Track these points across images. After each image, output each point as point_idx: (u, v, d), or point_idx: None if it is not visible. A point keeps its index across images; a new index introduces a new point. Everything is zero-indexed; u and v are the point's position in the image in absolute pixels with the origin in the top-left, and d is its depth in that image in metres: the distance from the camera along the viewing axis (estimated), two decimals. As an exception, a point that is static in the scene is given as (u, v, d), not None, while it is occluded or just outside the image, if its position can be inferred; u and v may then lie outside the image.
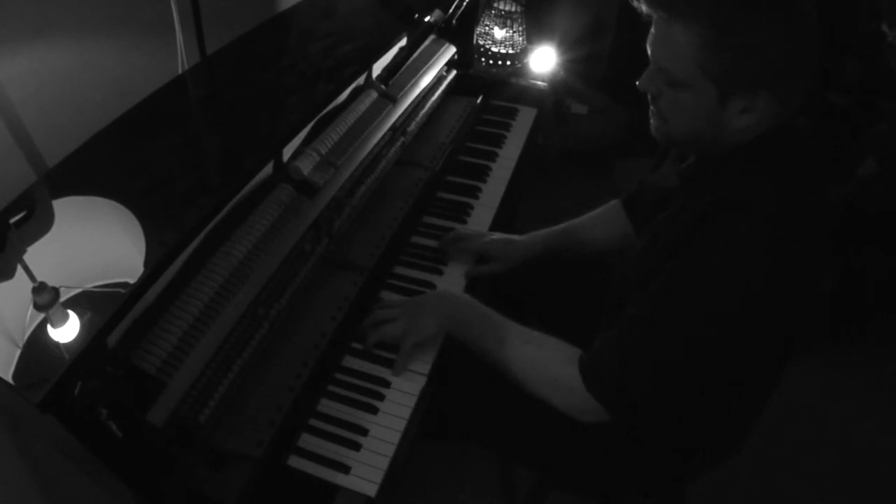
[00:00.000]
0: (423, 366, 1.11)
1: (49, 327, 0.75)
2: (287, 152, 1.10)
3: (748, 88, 0.83)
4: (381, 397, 1.07)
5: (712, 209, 0.87)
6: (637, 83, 0.94)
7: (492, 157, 1.61)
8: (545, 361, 1.03)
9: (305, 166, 1.08)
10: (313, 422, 1.03)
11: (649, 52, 0.90)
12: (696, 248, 0.88)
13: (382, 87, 1.30)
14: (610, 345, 0.96)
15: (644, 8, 0.87)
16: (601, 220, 1.36)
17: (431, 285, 1.26)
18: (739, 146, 0.90)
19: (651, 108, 0.95)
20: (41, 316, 0.75)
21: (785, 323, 0.91)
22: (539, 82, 1.79)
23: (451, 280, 1.29)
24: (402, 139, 1.38)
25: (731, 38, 0.81)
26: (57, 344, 0.75)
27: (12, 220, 0.88)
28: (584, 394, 0.96)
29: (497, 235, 1.36)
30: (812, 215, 0.88)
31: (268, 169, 1.06)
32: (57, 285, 0.75)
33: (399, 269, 1.29)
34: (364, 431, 1.02)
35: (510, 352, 1.05)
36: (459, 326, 1.12)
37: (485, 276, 1.32)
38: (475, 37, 1.84)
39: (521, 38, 1.88)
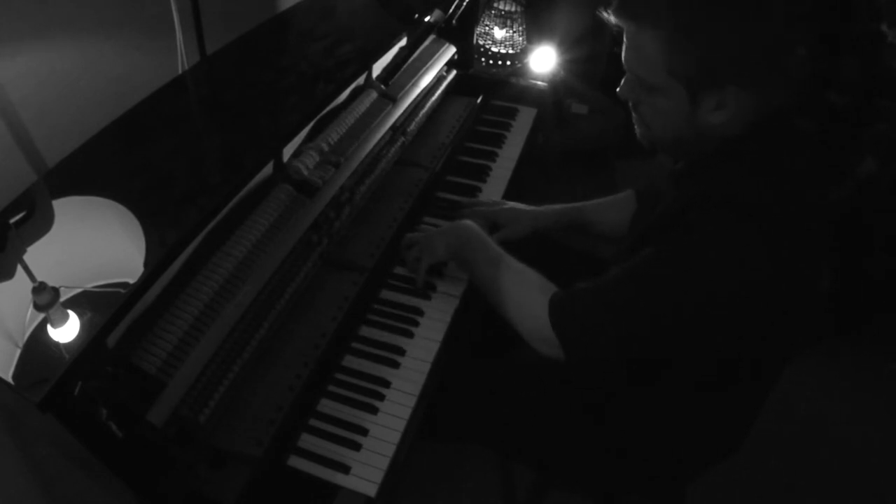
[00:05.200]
0: (426, 357, 1.12)
1: (49, 327, 0.75)
2: (287, 152, 1.10)
3: (714, 84, 0.85)
4: (381, 397, 1.07)
5: (698, 203, 0.88)
6: (617, 92, 0.96)
7: (492, 157, 1.61)
8: (521, 284, 1.06)
9: (305, 166, 1.08)
10: (313, 422, 1.03)
11: (623, 60, 0.92)
12: (685, 232, 0.89)
13: (382, 87, 1.30)
14: (585, 290, 0.97)
15: (613, 20, 0.90)
16: (614, 204, 1.38)
17: (431, 286, 1.26)
18: (724, 143, 0.91)
19: (633, 115, 0.97)
20: (41, 316, 0.75)
21: (772, 320, 0.90)
22: (539, 82, 1.79)
23: (451, 279, 1.28)
24: (402, 139, 1.38)
25: (692, 38, 0.82)
26: (57, 344, 0.75)
27: (12, 220, 0.88)
28: (546, 323, 0.97)
29: (510, 204, 1.40)
30: (802, 211, 0.88)
31: (268, 169, 1.06)
32: (57, 285, 0.75)
33: (399, 269, 1.29)
34: (364, 431, 1.02)
35: (495, 272, 1.09)
36: (463, 249, 1.17)
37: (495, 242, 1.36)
38: (475, 37, 1.84)
39: (521, 38, 1.88)
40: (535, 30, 2.02)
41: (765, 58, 0.83)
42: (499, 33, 1.85)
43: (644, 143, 0.99)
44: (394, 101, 1.31)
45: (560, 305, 0.97)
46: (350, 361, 1.12)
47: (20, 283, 0.79)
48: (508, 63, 1.89)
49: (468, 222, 1.22)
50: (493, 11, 1.85)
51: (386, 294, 1.24)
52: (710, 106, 0.87)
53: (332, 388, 1.08)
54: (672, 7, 0.83)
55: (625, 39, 0.90)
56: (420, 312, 1.20)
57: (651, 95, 0.91)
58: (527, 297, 1.03)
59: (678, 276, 0.88)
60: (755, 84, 0.85)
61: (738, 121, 0.88)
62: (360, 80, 1.30)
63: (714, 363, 0.96)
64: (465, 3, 1.37)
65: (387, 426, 1.03)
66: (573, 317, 0.96)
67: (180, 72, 1.41)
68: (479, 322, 1.28)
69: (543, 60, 1.89)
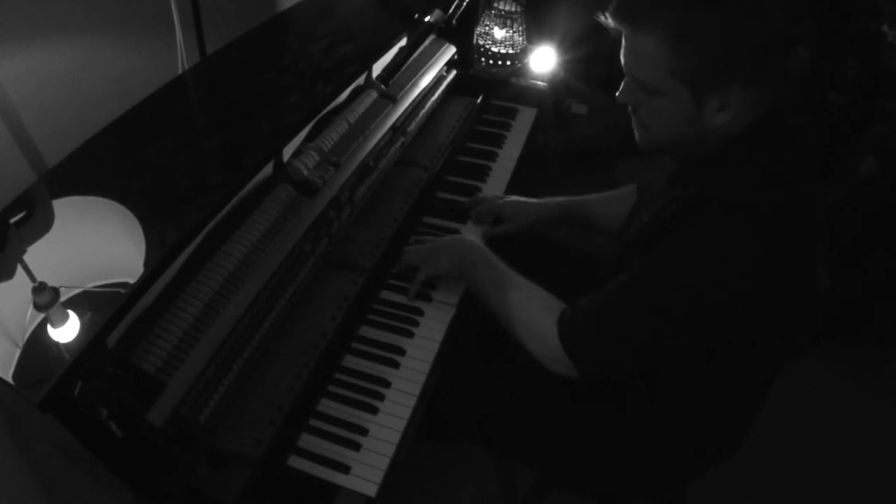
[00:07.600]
0: (426, 357, 1.12)
1: (49, 327, 0.75)
2: (287, 152, 1.10)
3: (719, 85, 0.85)
4: (381, 397, 1.07)
5: (694, 202, 0.89)
6: (616, 96, 0.95)
7: (492, 157, 1.61)
8: (528, 305, 1.06)
9: (305, 166, 1.08)
10: (313, 422, 1.03)
11: (622, 64, 0.91)
12: (678, 236, 0.89)
13: (382, 87, 1.30)
14: (590, 305, 0.97)
15: (611, 23, 0.89)
16: (616, 198, 1.38)
17: (431, 285, 1.26)
18: (724, 143, 0.91)
19: (633, 119, 0.97)
20: (41, 316, 0.75)
21: (769, 318, 0.91)
22: (539, 82, 1.79)
23: (452, 280, 1.28)
24: (402, 139, 1.38)
25: (694, 39, 0.82)
26: (57, 344, 0.75)
27: (12, 220, 0.88)
28: (556, 344, 0.97)
29: (512, 197, 1.42)
30: (796, 210, 0.88)
31: (268, 169, 1.06)
32: (57, 285, 0.75)
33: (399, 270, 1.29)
34: (364, 431, 1.02)
35: (502, 294, 1.09)
36: (467, 267, 1.16)
37: (499, 235, 1.39)
38: (475, 37, 1.84)
39: (521, 38, 1.88)
40: (535, 30, 2.02)
41: (767, 55, 0.83)
42: (499, 33, 1.85)
43: (644, 147, 0.98)
44: (394, 101, 1.31)
45: (568, 328, 0.98)
46: (350, 361, 1.12)
47: (20, 283, 0.79)
48: (508, 63, 1.88)
49: (472, 239, 1.21)
50: (493, 11, 1.85)
51: (386, 294, 1.24)
52: (713, 107, 0.87)
53: (332, 387, 1.08)
54: (673, 7, 0.83)
55: (623, 43, 0.90)
56: (420, 312, 1.20)
57: (652, 98, 0.90)
58: (535, 318, 1.03)
59: (676, 283, 0.88)
60: (758, 83, 0.85)
61: (740, 121, 0.88)
62: (360, 80, 1.30)
63: (713, 363, 0.96)
64: (465, 3, 1.37)
65: (387, 426, 1.03)
66: (583, 339, 0.96)
67: (180, 72, 1.41)
68: (480, 322, 1.28)
69: (543, 60, 1.89)
